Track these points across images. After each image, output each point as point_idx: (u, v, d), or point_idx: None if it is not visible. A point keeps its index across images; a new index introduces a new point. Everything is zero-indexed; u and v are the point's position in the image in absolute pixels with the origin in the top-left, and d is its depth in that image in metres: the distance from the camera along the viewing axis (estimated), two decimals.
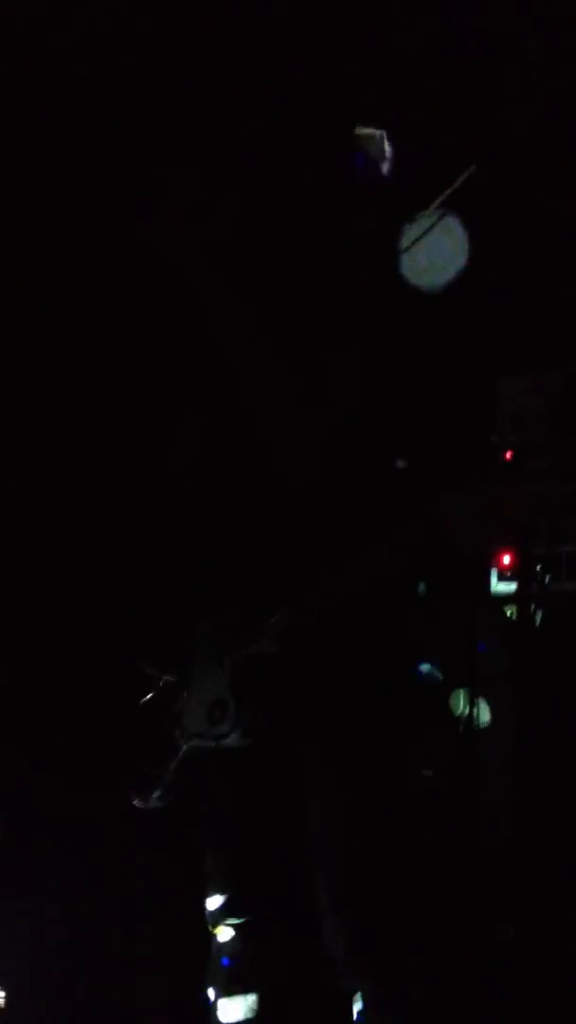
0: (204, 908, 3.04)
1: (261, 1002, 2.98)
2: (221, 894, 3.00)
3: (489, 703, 3.94)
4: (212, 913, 3.03)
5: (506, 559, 3.96)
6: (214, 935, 3.02)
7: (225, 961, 2.99)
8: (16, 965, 3.59)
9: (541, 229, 3.85)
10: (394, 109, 3.64)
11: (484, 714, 3.94)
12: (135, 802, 3.03)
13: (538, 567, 3.82)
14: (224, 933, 3.00)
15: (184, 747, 2.94)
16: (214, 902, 3.01)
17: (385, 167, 3.29)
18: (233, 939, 2.98)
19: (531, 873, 3.80)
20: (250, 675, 2.89)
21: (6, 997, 3.51)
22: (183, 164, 3.18)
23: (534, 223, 3.84)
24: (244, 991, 2.98)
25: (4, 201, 3.78)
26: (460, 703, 3.99)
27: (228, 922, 2.99)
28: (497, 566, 3.97)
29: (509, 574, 3.96)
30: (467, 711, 3.94)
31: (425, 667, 3.97)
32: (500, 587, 3.95)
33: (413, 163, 3.51)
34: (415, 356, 4.10)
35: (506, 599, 3.91)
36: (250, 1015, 2.96)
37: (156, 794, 2.98)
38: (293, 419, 2.96)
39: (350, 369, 3.00)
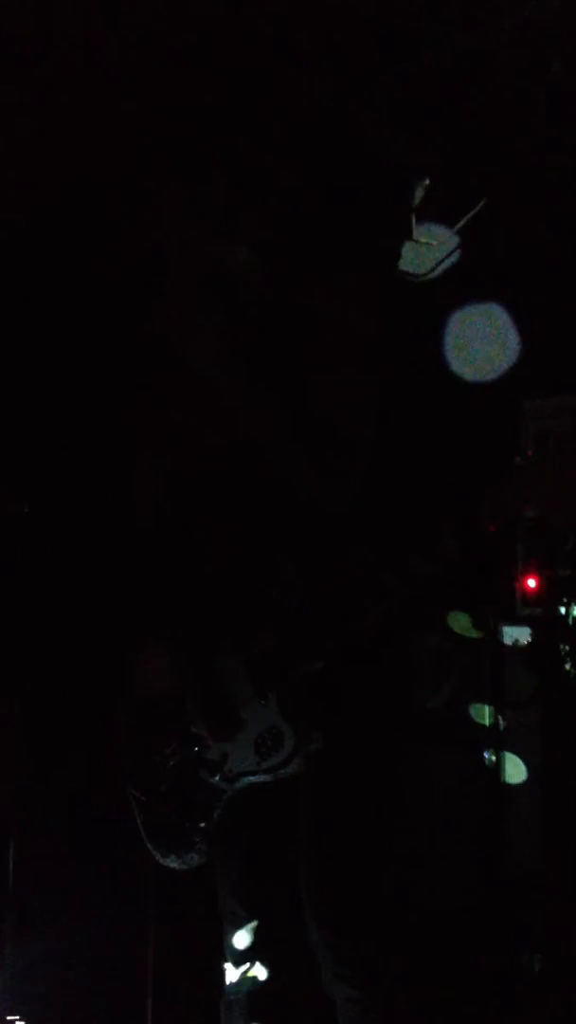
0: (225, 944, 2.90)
1: None
2: (243, 929, 2.91)
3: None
4: (235, 951, 2.89)
5: (531, 583, 3.94)
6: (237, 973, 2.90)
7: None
8: (36, 993, 3.54)
9: (567, 250, 3.83)
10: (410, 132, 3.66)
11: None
12: (172, 864, 2.80)
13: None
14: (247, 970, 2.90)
15: (230, 791, 2.75)
16: (240, 939, 2.91)
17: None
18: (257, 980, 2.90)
19: (559, 902, 3.76)
20: (301, 698, 2.72)
21: None
22: (182, 183, 3.15)
23: (560, 245, 3.82)
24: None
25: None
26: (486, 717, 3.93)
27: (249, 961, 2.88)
28: (522, 591, 3.95)
29: (534, 599, 3.94)
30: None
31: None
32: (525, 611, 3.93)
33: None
34: (439, 377, 4.11)
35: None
36: None
37: (200, 849, 2.77)
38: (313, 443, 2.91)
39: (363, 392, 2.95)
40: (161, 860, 2.82)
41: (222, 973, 2.92)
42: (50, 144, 3.83)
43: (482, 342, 3.81)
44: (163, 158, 3.63)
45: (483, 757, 3.90)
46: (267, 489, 2.87)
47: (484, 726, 3.91)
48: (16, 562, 3.71)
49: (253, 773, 2.72)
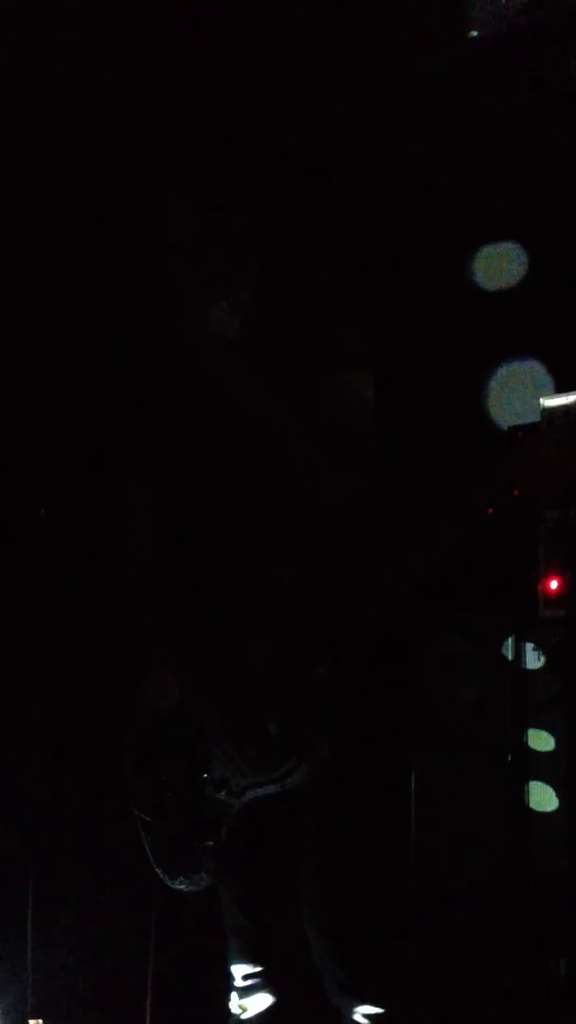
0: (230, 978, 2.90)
1: None
2: (249, 963, 2.89)
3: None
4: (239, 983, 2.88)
5: (553, 584, 3.89)
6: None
7: None
8: (57, 996, 3.57)
9: None
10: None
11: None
12: (181, 887, 2.78)
13: None
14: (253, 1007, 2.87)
15: (238, 806, 2.73)
16: (240, 971, 2.88)
17: None
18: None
19: None
20: (303, 708, 2.71)
21: None
22: (184, 190, 3.15)
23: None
24: None
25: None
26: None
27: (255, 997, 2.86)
28: (544, 592, 3.91)
29: (556, 600, 3.90)
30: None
31: None
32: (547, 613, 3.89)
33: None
34: (458, 375, 4.09)
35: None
36: None
37: (209, 868, 2.74)
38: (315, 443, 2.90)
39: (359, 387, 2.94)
40: (170, 883, 2.80)
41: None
42: (53, 151, 3.86)
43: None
44: (165, 164, 3.65)
45: (507, 760, 3.86)
46: (262, 495, 2.87)
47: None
48: (30, 569, 3.75)
49: (260, 785, 2.71)
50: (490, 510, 2.72)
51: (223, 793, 2.74)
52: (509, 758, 3.82)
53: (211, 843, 2.74)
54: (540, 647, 3.87)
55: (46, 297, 4.06)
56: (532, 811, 3.79)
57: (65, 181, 3.94)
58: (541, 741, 3.81)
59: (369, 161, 3.72)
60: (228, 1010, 2.90)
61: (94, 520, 3.87)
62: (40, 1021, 3.49)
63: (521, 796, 3.78)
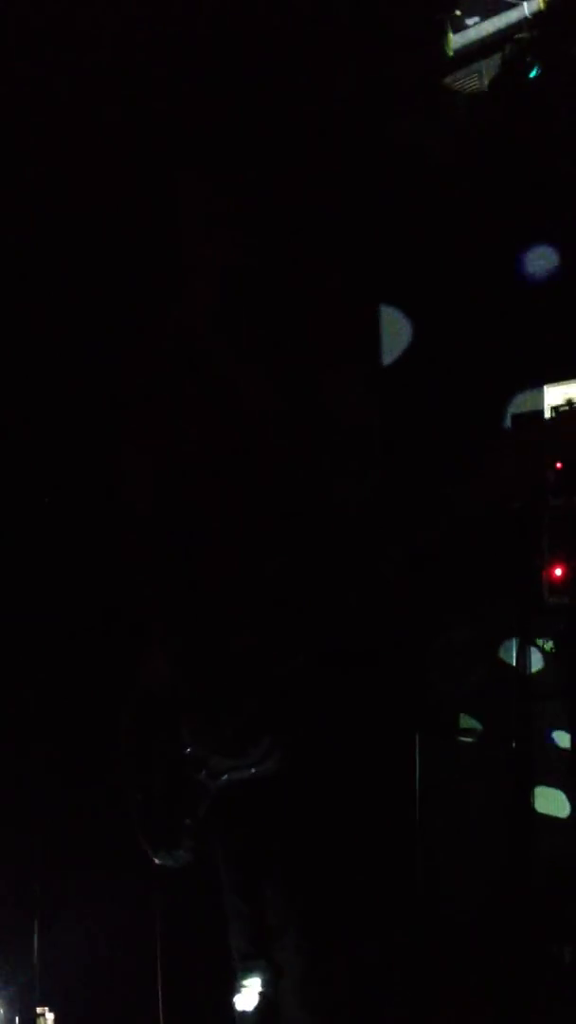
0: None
1: None
2: (248, 943, 2.93)
3: None
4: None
5: (558, 572, 3.88)
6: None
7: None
8: (63, 985, 3.61)
9: None
10: None
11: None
12: (159, 861, 2.91)
13: None
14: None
15: (214, 786, 2.83)
16: (239, 951, 2.93)
17: None
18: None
19: None
20: (280, 695, 2.80)
21: (55, 1018, 3.52)
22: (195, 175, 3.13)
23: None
24: None
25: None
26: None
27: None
28: (549, 580, 3.89)
29: (561, 588, 3.88)
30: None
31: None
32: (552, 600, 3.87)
33: None
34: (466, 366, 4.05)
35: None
36: None
37: (187, 846, 2.86)
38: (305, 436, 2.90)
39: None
40: (153, 856, 2.91)
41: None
42: (62, 136, 3.83)
43: None
44: (176, 149, 3.62)
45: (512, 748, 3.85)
46: (256, 485, 2.89)
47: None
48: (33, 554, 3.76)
49: (234, 769, 2.78)
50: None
51: (203, 773, 2.79)
52: (513, 746, 3.82)
53: (188, 822, 2.84)
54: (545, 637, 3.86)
55: (49, 280, 4.04)
56: (536, 799, 3.80)
57: (73, 161, 3.91)
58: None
59: (372, 147, 3.67)
60: (233, 991, 2.97)
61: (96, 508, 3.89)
62: (47, 1009, 3.53)
63: (526, 786, 3.79)
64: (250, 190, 3.21)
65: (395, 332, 3.60)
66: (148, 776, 2.90)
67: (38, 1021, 3.50)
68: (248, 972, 2.97)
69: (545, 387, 3.76)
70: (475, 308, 3.73)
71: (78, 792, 3.74)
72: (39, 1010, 3.51)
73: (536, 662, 3.83)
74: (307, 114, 3.51)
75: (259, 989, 2.96)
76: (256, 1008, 2.98)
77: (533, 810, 3.81)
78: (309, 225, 3.30)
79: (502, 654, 3.93)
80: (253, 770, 2.81)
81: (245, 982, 2.94)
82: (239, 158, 3.27)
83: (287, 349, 3.01)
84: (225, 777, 2.82)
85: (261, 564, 2.85)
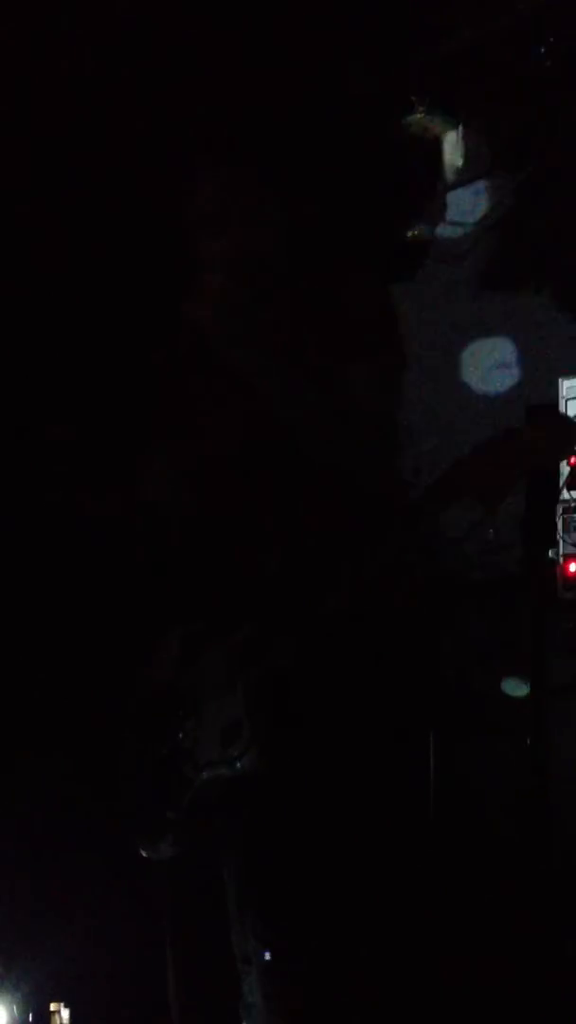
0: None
1: None
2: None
3: None
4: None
5: (572, 567, 3.88)
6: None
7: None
8: (77, 980, 3.60)
9: None
10: None
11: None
12: (144, 853, 2.89)
13: None
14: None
15: (198, 780, 2.79)
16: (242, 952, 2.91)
17: None
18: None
19: None
20: (265, 692, 2.76)
21: (71, 1014, 3.52)
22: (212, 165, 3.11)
23: None
24: None
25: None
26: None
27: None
28: (563, 574, 3.89)
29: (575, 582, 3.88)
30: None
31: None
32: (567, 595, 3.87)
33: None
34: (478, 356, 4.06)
35: None
36: None
37: (168, 840, 2.83)
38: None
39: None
40: (138, 846, 2.90)
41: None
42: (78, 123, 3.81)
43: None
44: (193, 140, 3.60)
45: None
46: (265, 483, 2.88)
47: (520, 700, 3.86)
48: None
49: (216, 763, 2.76)
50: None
51: (188, 766, 2.79)
52: (528, 742, 3.82)
53: (171, 814, 2.81)
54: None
55: (61, 273, 4.03)
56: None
57: (88, 152, 3.89)
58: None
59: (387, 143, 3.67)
60: (242, 989, 2.95)
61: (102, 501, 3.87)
62: (62, 1005, 3.52)
63: (540, 780, 3.79)
64: (267, 180, 3.19)
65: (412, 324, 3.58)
66: (138, 767, 2.90)
67: (52, 1017, 3.49)
68: (248, 974, 2.94)
69: (560, 379, 3.78)
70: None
71: (92, 784, 3.73)
72: (53, 1006, 3.50)
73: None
74: (327, 98, 3.50)
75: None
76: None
77: (548, 806, 3.81)
78: (329, 215, 3.28)
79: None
80: (232, 767, 2.76)
81: (245, 984, 2.91)
82: (258, 142, 3.24)
83: (308, 343, 2.99)
84: (206, 773, 2.78)
85: (259, 562, 2.85)
